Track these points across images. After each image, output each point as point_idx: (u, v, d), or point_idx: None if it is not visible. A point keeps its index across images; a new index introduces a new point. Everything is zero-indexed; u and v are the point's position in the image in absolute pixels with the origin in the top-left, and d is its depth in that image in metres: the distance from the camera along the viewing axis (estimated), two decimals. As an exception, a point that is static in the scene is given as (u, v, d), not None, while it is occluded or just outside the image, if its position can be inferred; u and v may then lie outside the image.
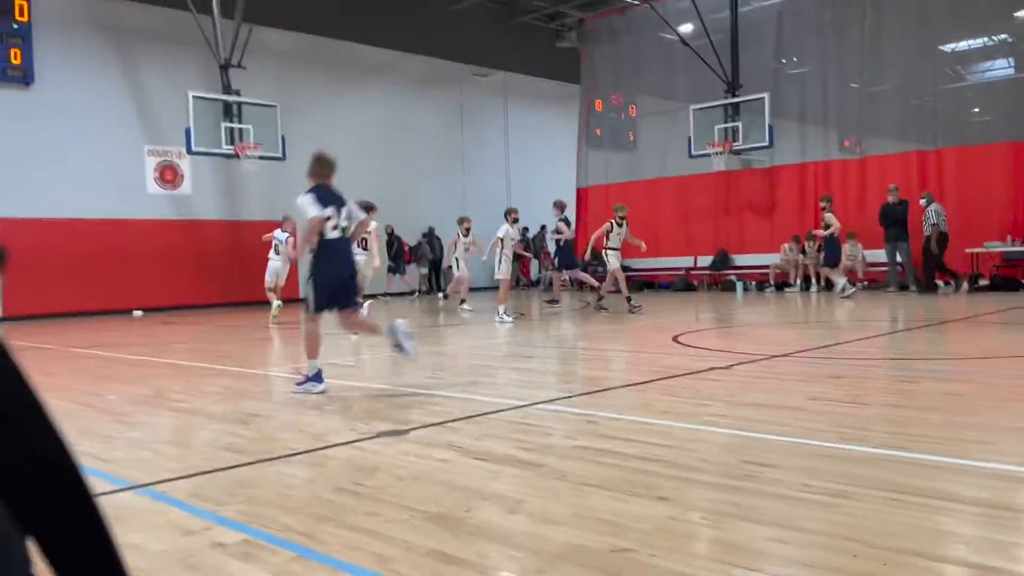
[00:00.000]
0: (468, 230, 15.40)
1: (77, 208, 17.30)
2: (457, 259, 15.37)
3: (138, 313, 17.29)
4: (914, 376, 6.20)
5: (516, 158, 25.88)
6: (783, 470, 3.46)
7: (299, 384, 6.13)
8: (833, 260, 16.41)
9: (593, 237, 14.53)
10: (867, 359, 7.29)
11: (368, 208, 11.63)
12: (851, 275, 17.18)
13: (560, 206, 15.02)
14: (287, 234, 13.86)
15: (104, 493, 3.50)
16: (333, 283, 6.08)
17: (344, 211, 6.12)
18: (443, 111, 24.25)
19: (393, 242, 20.38)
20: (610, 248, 13.89)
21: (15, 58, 16.64)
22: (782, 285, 18.57)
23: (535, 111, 26.33)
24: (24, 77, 16.78)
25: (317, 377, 6.06)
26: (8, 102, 16.63)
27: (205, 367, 8.19)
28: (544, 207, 24.25)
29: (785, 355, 7.37)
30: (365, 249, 11.57)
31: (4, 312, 15.69)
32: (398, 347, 6.18)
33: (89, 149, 17.49)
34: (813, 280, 17.94)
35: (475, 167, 24.85)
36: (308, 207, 6.00)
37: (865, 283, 17.35)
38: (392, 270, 20.81)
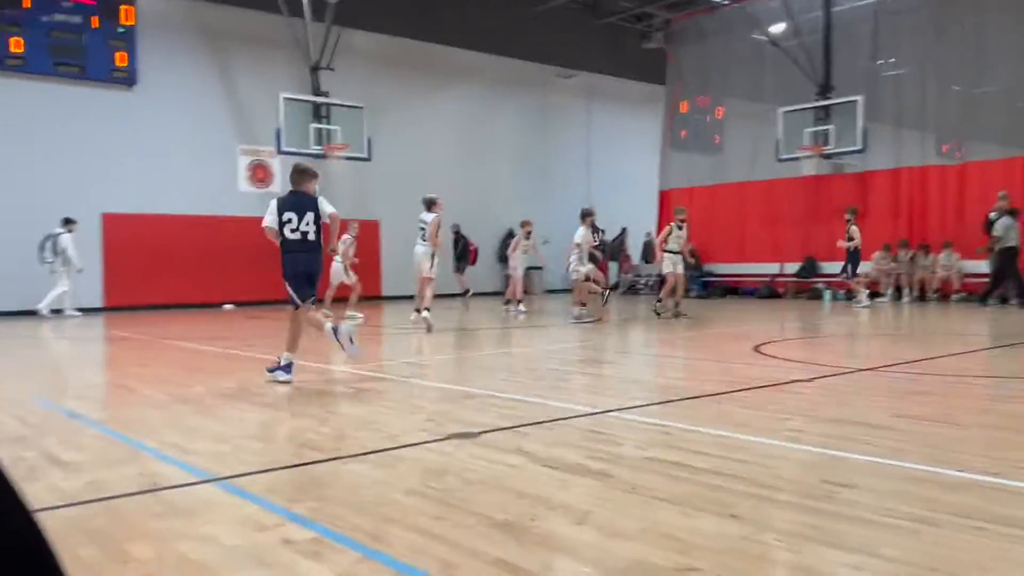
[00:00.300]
0: (529, 233, 15.41)
1: (174, 205, 18.03)
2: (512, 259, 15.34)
3: (228, 307, 17.91)
4: (1012, 395, 5.88)
5: (597, 160, 25.74)
6: (865, 492, 3.31)
7: (270, 370, 6.69)
8: (855, 271, 16.12)
9: (658, 240, 14.42)
10: (961, 375, 6.94)
11: (431, 203, 11.86)
12: (946, 286, 16.46)
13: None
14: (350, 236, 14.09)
15: (184, 485, 3.62)
16: (293, 280, 6.84)
17: (307, 216, 6.76)
18: (525, 113, 24.31)
19: (459, 241, 20.43)
20: (668, 251, 13.70)
21: (120, 61, 17.45)
22: (873, 295, 17.92)
23: (618, 113, 26.13)
24: (128, 79, 17.58)
25: (287, 368, 6.64)
26: (113, 103, 17.46)
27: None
28: (625, 210, 24.14)
29: (872, 369, 7.10)
30: (425, 240, 11.74)
31: (107, 303, 16.50)
32: (341, 345, 6.75)
33: (186, 148, 18.21)
34: (906, 290, 17.24)
35: (556, 169, 24.82)
36: (266, 216, 6.86)
37: (964, 294, 16.58)
38: (458, 270, 20.84)
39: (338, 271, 14.08)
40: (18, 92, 16.38)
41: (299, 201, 6.83)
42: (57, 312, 15.53)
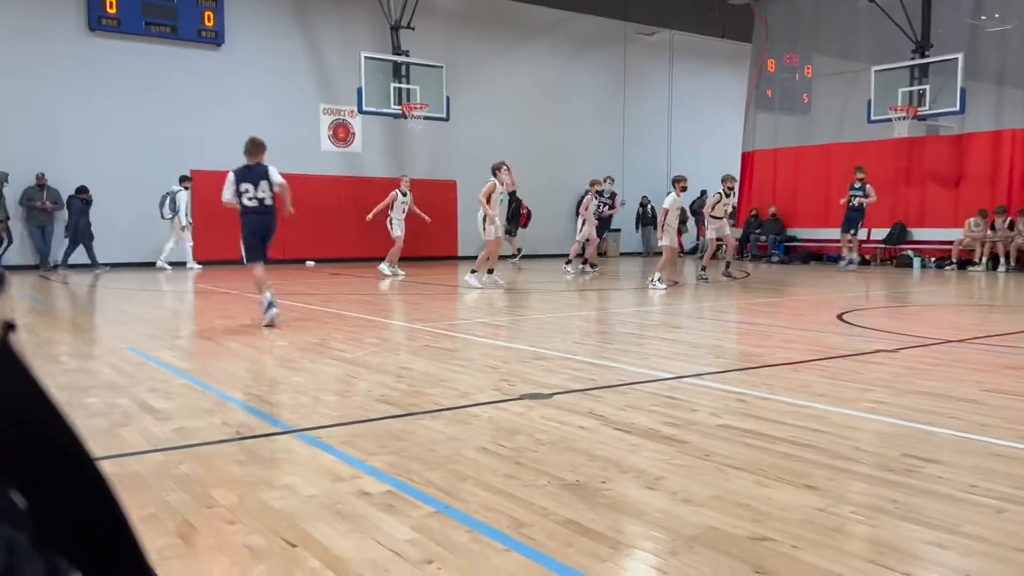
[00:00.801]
0: (600, 192, 15.28)
1: (258, 162, 18.45)
2: (584, 220, 15.25)
3: (310, 263, 18.35)
4: (1115, 373, 5.57)
5: (679, 120, 25.18)
6: (948, 467, 3.21)
7: (267, 311, 7.61)
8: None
9: (707, 207, 14.49)
10: (1059, 350, 6.62)
11: (496, 168, 12.00)
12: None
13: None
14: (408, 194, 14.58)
15: (266, 435, 3.76)
16: (248, 240, 7.78)
17: (262, 185, 7.63)
18: (606, 71, 23.88)
19: (512, 203, 20.23)
20: (713, 216, 13.90)
21: (208, 20, 17.85)
22: (965, 263, 17.16)
23: (701, 71, 25.43)
24: (216, 38, 17.98)
25: (270, 305, 7.63)
26: (202, 61, 17.90)
27: (366, 318, 8.58)
28: (706, 171, 23.62)
29: (961, 340, 6.82)
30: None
31: (196, 257, 17.17)
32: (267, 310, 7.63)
33: (270, 107, 18.57)
34: (1002, 259, 16.46)
35: (636, 129, 24.38)
36: (224, 190, 7.79)
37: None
38: (509, 231, 20.65)
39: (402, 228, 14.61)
40: (113, 52, 16.95)
41: (253, 172, 7.70)
42: (177, 265, 16.53)
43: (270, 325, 7.53)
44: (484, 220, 12.06)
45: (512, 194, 19.92)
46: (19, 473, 0.45)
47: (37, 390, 0.47)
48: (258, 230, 7.73)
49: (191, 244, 16.69)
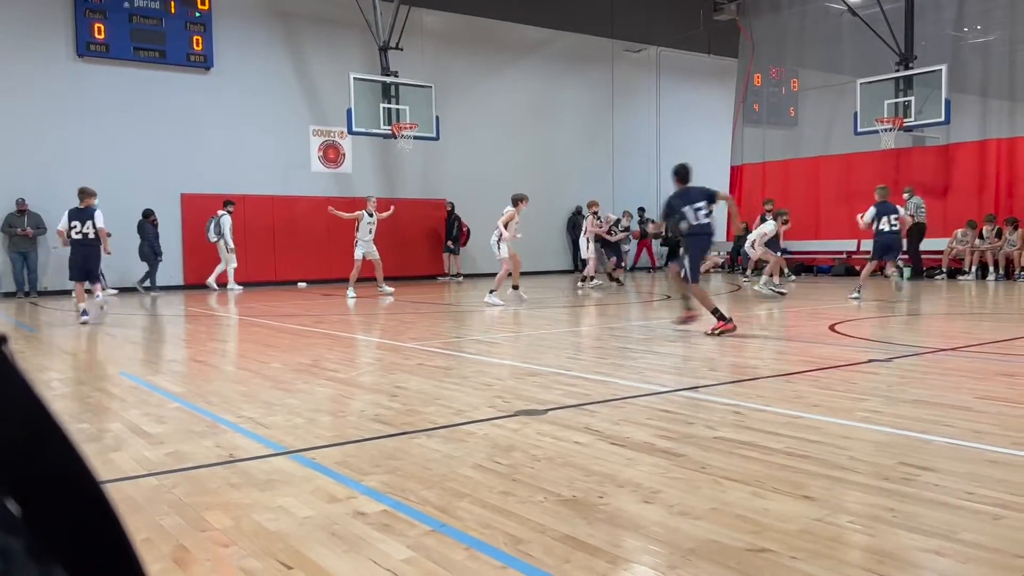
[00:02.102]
0: (596, 213, 15.38)
1: (249, 185, 18.46)
2: (588, 240, 15.39)
3: (302, 285, 18.32)
4: (1106, 378, 5.60)
5: (667, 135, 25.32)
6: (945, 475, 3.21)
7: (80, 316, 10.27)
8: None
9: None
10: (1051, 357, 6.64)
11: (519, 199, 12.25)
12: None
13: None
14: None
15: (260, 457, 3.74)
16: (72, 266, 10.58)
17: (87, 223, 10.37)
18: (593, 88, 24.02)
19: (452, 221, 20.26)
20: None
21: (197, 45, 17.89)
22: (955, 272, 17.25)
23: (688, 86, 25.61)
24: (204, 62, 18.02)
25: (84, 312, 10.35)
26: (190, 85, 17.92)
27: (359, 338, 8.56)
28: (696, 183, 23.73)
29: (953, 349, 6.85)
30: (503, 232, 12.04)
31: (186, 281, 17.16)
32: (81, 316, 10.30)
33: (260, 129, 18.60)
34: (991, 268, 16.55)
35: (625, 145, 24.49)
36: (61, 221, 10.66)
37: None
38: (451, 251, 20.51)
39: (366, 249, 14.87)
40: (101, 77, 16.95)
41: (81, 213, 10.45)
42: (223, 287, 17.15)
43: (83, 324, 10.01)
44: (499, 240, 12.19)
45: (450, 212, 19.96)
46: (14, 479, 0.45)
47: (33, 397, 0.46)
48: (80, 260, 10.51)
49: (234, 266, 17.13)
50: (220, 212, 16.97)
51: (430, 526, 2.74)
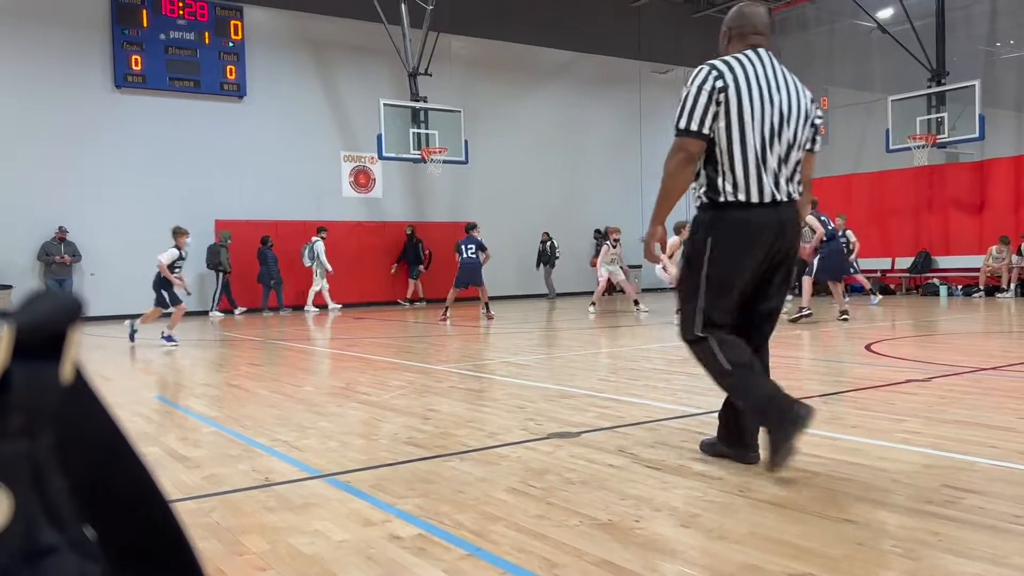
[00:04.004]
0: (617, 241, 15.28)
1: (282, 211, 18.71)
2: (604, 267, 15.34)
3: (335, 308, 18.46)
4: None
5: (697, 156, 25.24)
6: (989, 498, 3.13)
7: None
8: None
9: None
10: (1096, 376, 6.48)
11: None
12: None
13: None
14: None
15: (295, 480, 3.75)
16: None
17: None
18: (620, 109, 24.08)
19: (412, 243, 20.14)
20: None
21: (230, 74, 18.25)
22: (993, 290, 16.95)
23: (718, 107, 25.53)
24: (238, 91, 18.36)
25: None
26: (224, 114, 18.26)
27: (391, 361, 8.59)
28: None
29: (994, 368, 6.71)
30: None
31: (221, 306, 17.42)
32: None
33: (292, 156, 18.87)
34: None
35: (653, 166, 24.28)
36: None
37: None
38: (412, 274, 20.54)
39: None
40: (137, 107, 17.34)
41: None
42: (321, 308, 18.17)
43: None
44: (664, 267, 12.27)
45: (410, 235, 19.87)
46: (92, 505, 0.45)
47: (111, 424, 0.47)
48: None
49: (327, 287, 18.00)
50: (314, 238, 17.89)
51: (465, 550, 2.73)
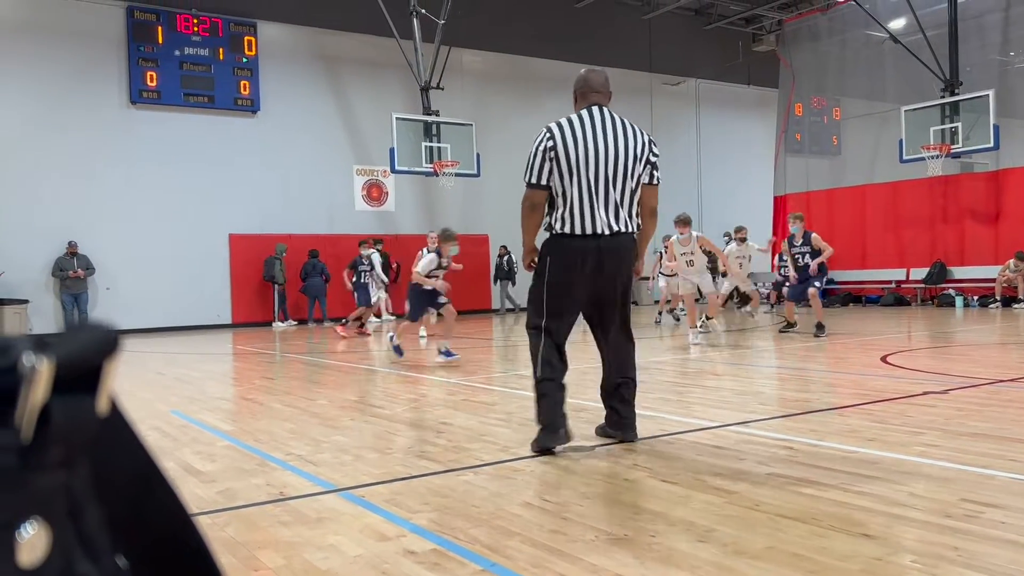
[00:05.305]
0: (744, 240, 14.97)
1: (295, 225, 18.82)
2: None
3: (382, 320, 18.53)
4: None
5: (708, 167, 25.25)
6: (1010, 512, 3.10)
7: None
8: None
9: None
10: (1116, 387, 6.41)
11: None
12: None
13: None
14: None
15: (310, 495, 3.75)
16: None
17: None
18: (632, 121, 24.06)
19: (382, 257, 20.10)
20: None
21: (244, 89, 18.42)
22: (1010, 300, 16.81)
23: (729, 118, 25.57)
24: (251, 106, 18.52)
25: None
26: (239, 129, 18.42)
27: (403, 374, 8.60)
28: (738, 218, 23.57)
29: (1013, 380, 6.65)
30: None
31: (234, 319, 17.46)
32: None
33: (305, 170, 19.00)
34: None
35: (666, 178, 24.07)
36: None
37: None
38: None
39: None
40: (152, 123, 17.50)
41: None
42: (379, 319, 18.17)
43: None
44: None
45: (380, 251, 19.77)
46: (125, 536, 0.46)
47: (145, 455, 0.48)
48: None
49: (385, 297, 17.95)
50: (369, 250, 17.46)
51: (481, 565, 2.72)
